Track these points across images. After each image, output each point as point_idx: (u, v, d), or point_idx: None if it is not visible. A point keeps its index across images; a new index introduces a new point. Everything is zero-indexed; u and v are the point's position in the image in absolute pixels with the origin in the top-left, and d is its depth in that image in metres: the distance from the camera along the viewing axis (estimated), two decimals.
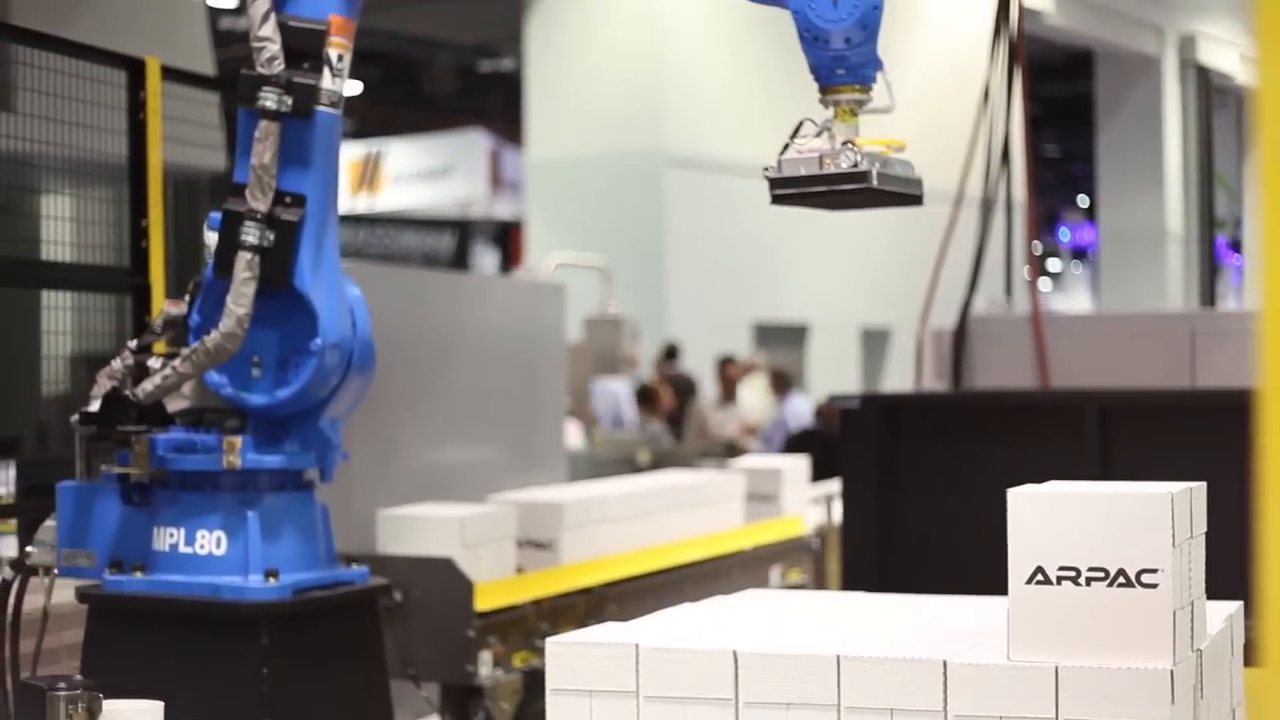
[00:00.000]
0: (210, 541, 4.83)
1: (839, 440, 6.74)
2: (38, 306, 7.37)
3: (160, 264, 6.74)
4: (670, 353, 18.41)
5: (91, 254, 7.04)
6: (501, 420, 7.70)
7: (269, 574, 4.78)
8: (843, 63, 4.60)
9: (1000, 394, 7.13)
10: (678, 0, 20.41)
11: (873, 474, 6.29)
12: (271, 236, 4.78)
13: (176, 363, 4.78)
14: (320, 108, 4.85)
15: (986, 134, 7.77)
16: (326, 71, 4.85)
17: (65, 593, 5.32)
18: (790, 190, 4.55)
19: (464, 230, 32.70)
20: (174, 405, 4.99)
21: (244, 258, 4.74)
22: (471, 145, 30.05)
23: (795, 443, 13.90)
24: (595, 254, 17.34)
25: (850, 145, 4.51)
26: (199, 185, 8.15)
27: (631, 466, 14.50)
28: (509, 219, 30.67)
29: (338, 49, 4.88)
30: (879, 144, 4.58)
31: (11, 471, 6.82)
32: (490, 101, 32.31)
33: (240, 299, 4.72)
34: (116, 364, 4.97)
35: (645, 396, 16.94)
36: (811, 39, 4.57)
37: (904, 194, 4.65)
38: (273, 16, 4.80)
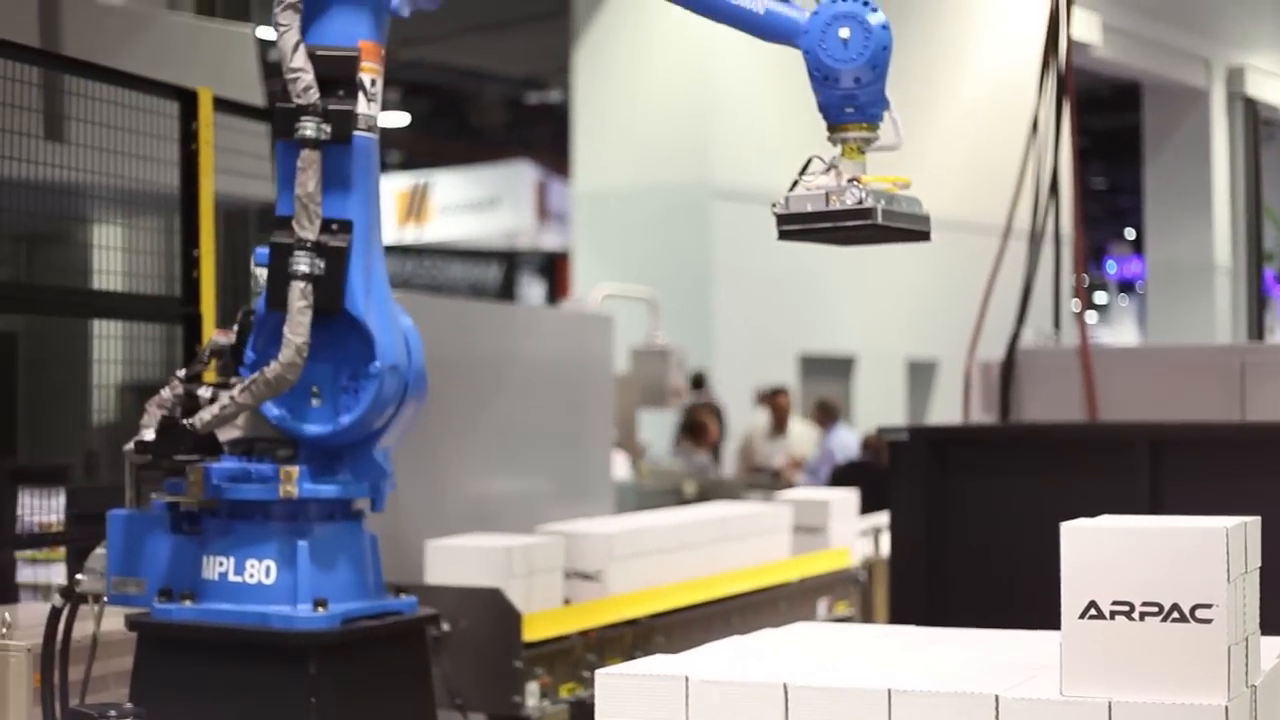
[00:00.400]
0: (260, 570, 4.83)
1: (887, 472, 6.72)
2: (87, 335, 7.40)
3: (211, 293, 6.77)
4: (697, 381, 18.35)
5: (140, 283, 7.08)
6: (549, 451, 7.70)
7: (318, 603, 4.77)
8: (851, 101, 4.78)
9: (1050, 427, 7.10)
10: (725, 33, 20.40)
11: (921, 506, 6.27)
12: (322, 264, 4.80)
13: (235, 393, 4.79)
14: (358, 133, 4.87)
15: (1035, 166, 7.75)
16: (361, 97, 4.88)
17: (114, 620, 5.34)
18: (796, 226, 4.75)
19: (511, 261, 32.77)
20: (225, 434, 5.00)
21: (298, 287, 4.75)
22: (519, 177, 30.13)
23: (842, 475, 13.86)
24: (642, 285, 17.34)
25: (855, 182, 4.66)
26: (248, 215, 8.19)
27: (678, 498, 14.48)
28: (555, 250, 30.72)
29: (369, 74, 4.91)
30: (885, 181, 4.72)
31: (61, 499, 6.86)
32: (537, 133, 32.40)
33: (298, 328, 4.73)
34: (166, 393, 4.98)
35: (692, 428, 16.90)
36: (822, 78, 4.78)
37: (911, 230, 4.77)
38: (302, 48, 4.82)
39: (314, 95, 4.78)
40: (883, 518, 8.26)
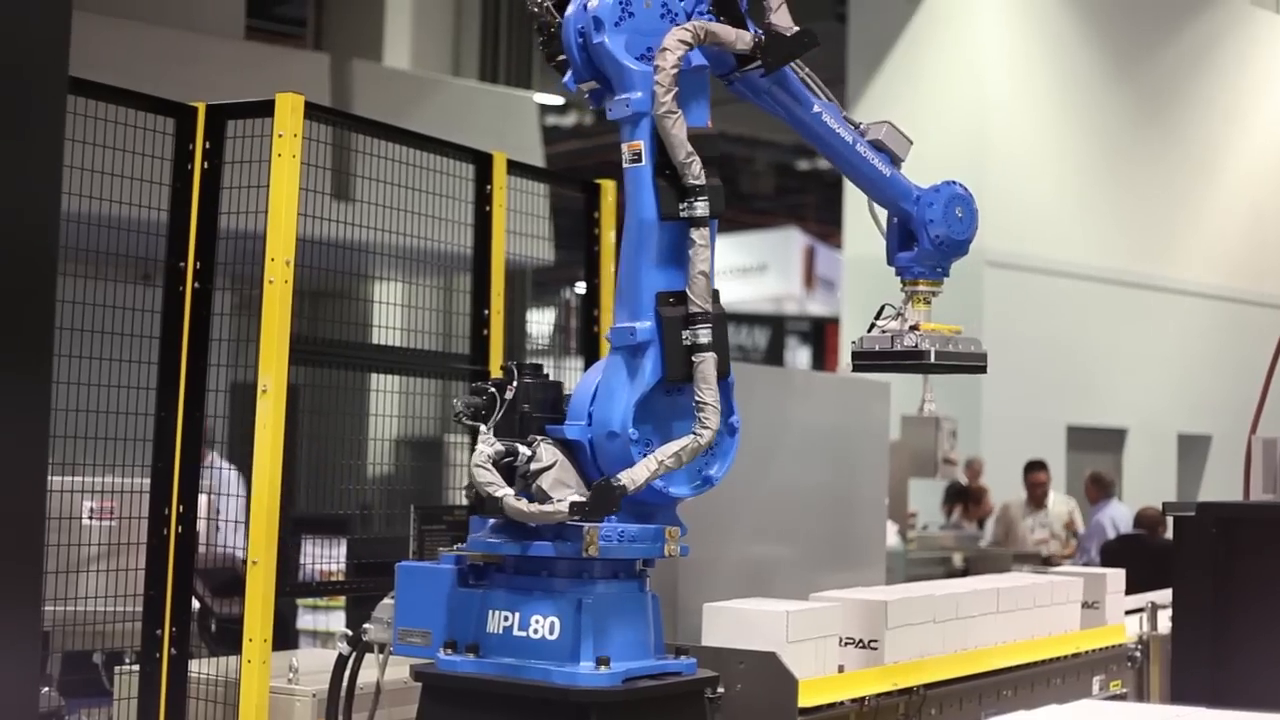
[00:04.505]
0: (544, 626, 4.89)
1: (1167, 548, 6.59)
2: (364, 389, 7.56)
3: (500, 352, 6.87)
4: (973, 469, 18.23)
5: (416, 339, 7.21)
6: (823, 516, 7.68)
7: (600, 661, 4.81)
8: (942, 263, 5.80)
9: None
10: (1001, 102, 20.32)
11: (1207, 584, 6.14)
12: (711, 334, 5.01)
13: (666, 458, 4.87)
14: None
15: None
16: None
17: (398, 669, 5.44)
18: (866, 362, 5.90)
19: (778, 326, 32.81)
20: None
21: (710, 358, 4.97)
22: (787, 243, 30.21)
23: (1114, 549, 13.64)
24: None
25: (916, 329, 5.72)
26: (525, 274, 8.30)
27: (946, 568, 14.35)
28: (822, 315, 30.70)
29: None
30: (942, 327, 5.78)
31: (341, 549, 7.02)
32: (806, 200, 32.45)
33: (717, 394, 4.95)
34: (488, 449, 4.94)
35: (969, 497, 16.70)
36: (939, 243, 5.72)
37: (967, 365, 5.84)
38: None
39: (704, 175, 4.96)
40: (1158, 595, 8.10)
